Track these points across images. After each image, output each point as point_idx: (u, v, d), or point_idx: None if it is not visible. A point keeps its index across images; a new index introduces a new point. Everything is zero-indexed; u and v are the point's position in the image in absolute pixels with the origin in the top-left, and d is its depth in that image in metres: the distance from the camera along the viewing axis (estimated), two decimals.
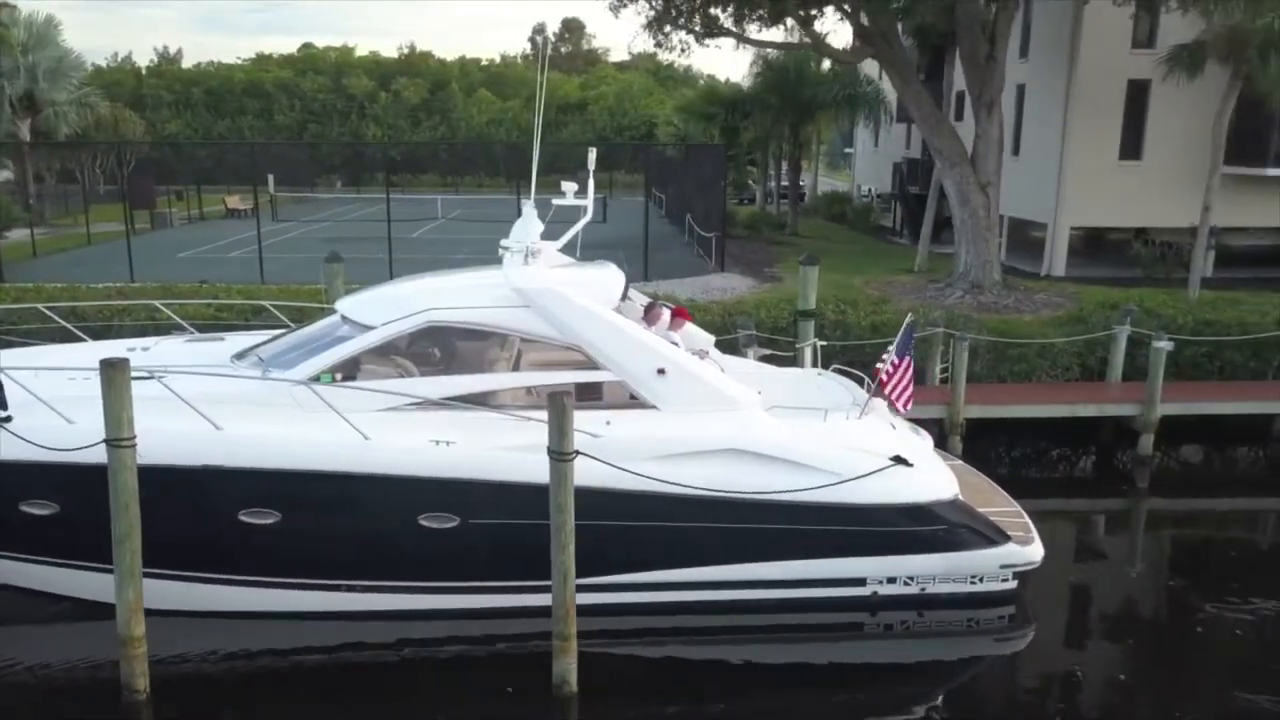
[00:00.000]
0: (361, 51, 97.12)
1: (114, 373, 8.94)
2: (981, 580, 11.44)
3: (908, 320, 12.09)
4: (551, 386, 10.36)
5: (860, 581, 11.26)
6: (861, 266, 28.83)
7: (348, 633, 10.60)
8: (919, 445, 11.92)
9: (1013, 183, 28.24)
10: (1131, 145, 28.27)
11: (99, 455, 9.05)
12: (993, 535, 11.31)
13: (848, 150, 64.12)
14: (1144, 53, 26.95)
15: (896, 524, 10.96)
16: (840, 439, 11.08)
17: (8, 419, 9.80)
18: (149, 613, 9.40)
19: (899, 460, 10.87)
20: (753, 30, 27.23)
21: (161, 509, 9.48)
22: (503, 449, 10.19)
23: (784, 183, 49.17)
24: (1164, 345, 16.89)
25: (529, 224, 11.68)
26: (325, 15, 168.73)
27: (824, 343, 15.57)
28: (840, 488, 10.65)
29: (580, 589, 9.54)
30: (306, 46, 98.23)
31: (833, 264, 27.03)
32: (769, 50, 37.73)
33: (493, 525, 10.23)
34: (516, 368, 11.29)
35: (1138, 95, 27.86)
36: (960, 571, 11.34)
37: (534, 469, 9.38)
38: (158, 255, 30.69)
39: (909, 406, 11.90)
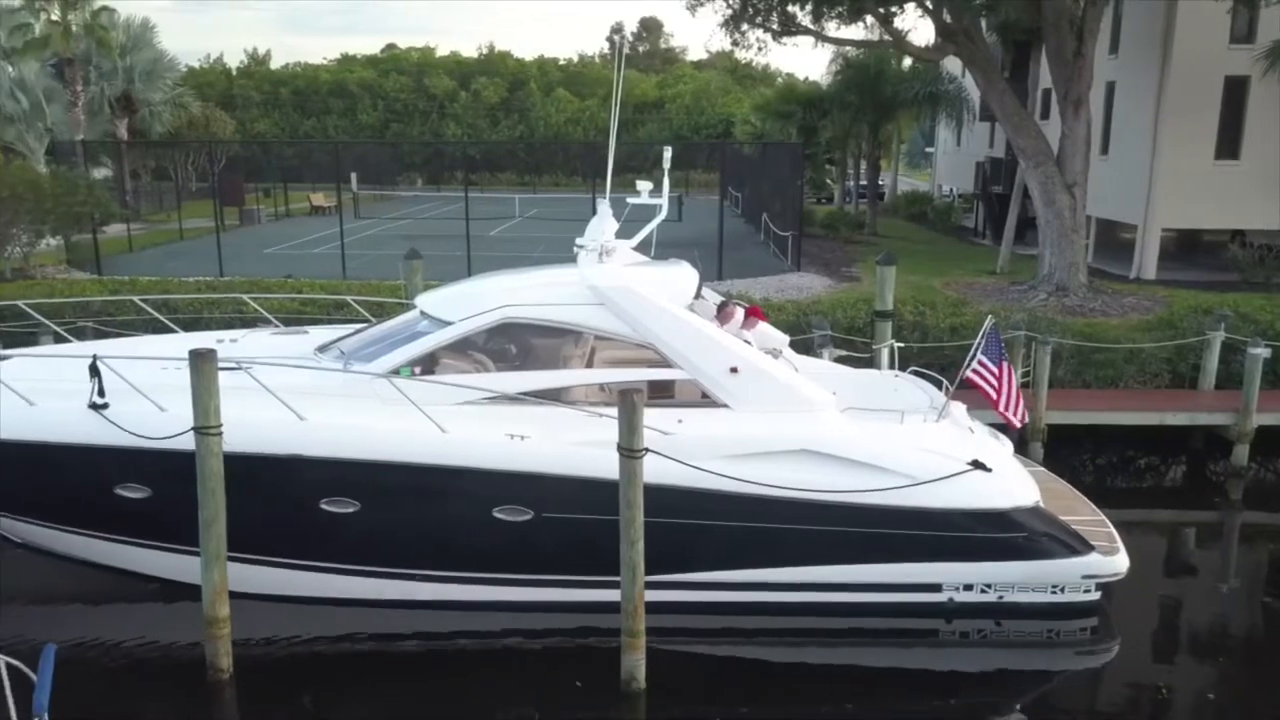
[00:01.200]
0: (442, 52, 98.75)
1: (202, 363, 9.26)
2: (1063, 590, 11.14)
3: (989, 323, 11.81)
4: (624, 384, 10.38)
5: (935, 588, 11.05)
6: (941, 267, 28.33)
7: (422, 621, 10.78)
8: (999, 450, 11.65)
9: (1101, 182, 27.40)
10: (1229, 144, 27.20)
11: (189, 442, 9.38)
12: (1075, 544, 11.00)
13: (928, 149, 63.09)
14: (1242, 48, 25.92)
15: (974, 529, 10.74)
16: (917, 442, 10.89)
17: (105, 406, 10.19)
18: (233, 595, 9.73)
19: (977, 465, 10.64)
20: (831, 28, 26.99)
21: (247, 495, 9.78)
22: (575, 444, 10.26)
23: (863, 182, 48.56)
24: (1260, 352, 16.22)
25: (604, 222, 11.74)
26: (408, 16, 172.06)
27: (901, 344, 15.31)
28: (916, 491, 10.47)
29: (650, 586, 9.56)
30: (390, 47, 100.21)
31: (912, 264, 26.61)
32: (848, 48, 37.29)
33: (565, 519, 10.30)
34: (590, 365, 11.33)
35: (1235, 92, 26.79)
36: (1041, 580, 11.06)
37: (606, 465, 9.42)
38: (245, 251, 31.63)
39: (1026, 420, 11.65)
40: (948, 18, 24.33)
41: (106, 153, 43.09)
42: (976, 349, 11.60)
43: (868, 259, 27.72)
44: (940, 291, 22.53)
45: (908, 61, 39.20)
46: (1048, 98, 30.61)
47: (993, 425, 12.41)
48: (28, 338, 15.25)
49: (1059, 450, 16.21)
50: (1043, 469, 13.46)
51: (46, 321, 13.81)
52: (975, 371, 11.46)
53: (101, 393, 10.24)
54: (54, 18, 39.13)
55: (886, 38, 27.06)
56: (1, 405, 10.25)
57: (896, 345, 14.79)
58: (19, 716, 6.29)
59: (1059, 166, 23.47)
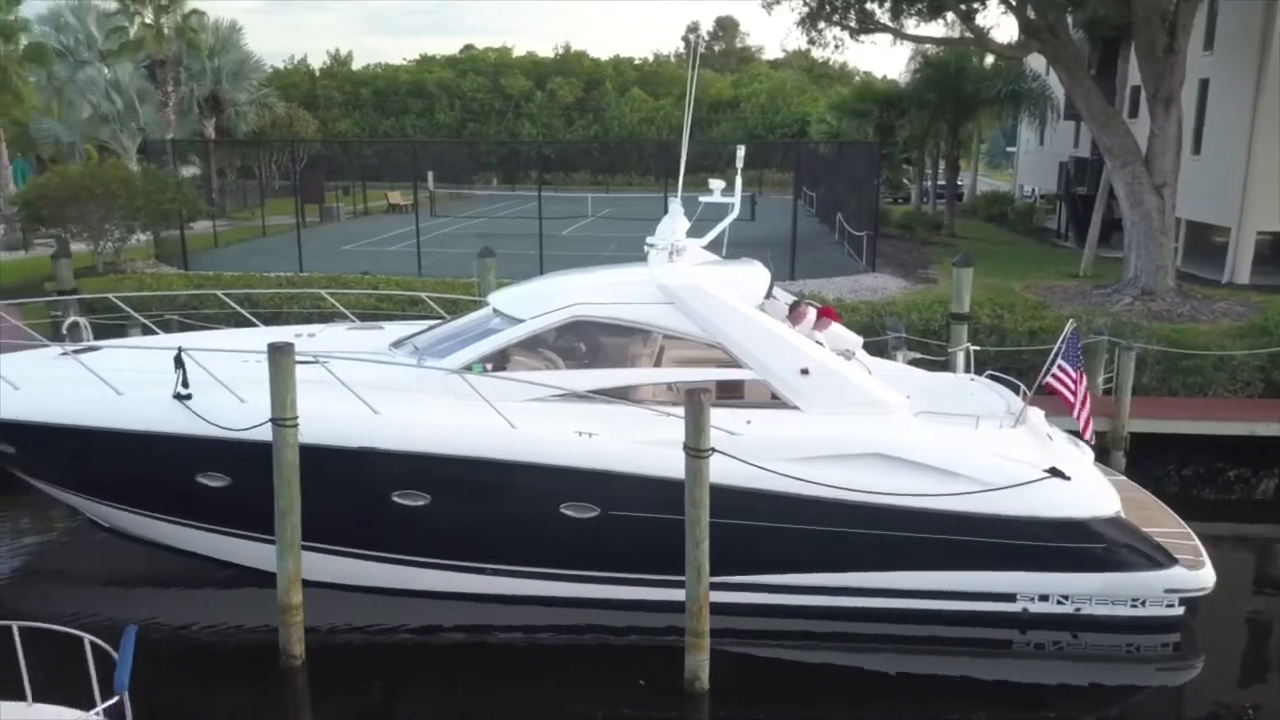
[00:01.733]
0: (519, 52, 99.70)
1: (280, 356, 9.48)
2: (1144, 604, 10.77)
3: (1070, 326, 11.48)
4: (693, 383, 10.32)
5: (1010, 597, 10.78)
6: (1021, 269, 27.63)
7: (489, 615, 10.89)
8: (1078, 458, 11.32)
9: (1191, 183, 26.43)
10: None
11: (267, 433, 9.62)
12: (1158, 557, 10.63)
13: (1010, 149, 61.69)
14: None
15: (1051, 539, 10.44)
16: (992, 447, 10.63)
17: (188, 397, 10.50)
18: (306, 584, 9.95)
19: (1055, 472, 10.33)
20: (910, 25, 26.48)
21: (321, 486, 9.99)
22: (643, 443, 10.25)
23: (940, 182, 47.67)
24: None
25: (675, 221, 11.71)
26: (486, 17, 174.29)
27: (977, 348, 14.97)
28: (991, 498, 10.22)
29: (716, 587, 9.51)
30: (468, 48, 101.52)
31: (990, 266, 26.03)
32: (928, 46, 36.61)
33: (631, 518, 10.30)
34: (659, 364, 11.31)
35: None
36: (1120, 593, 10.71)
37: (673, 464, 9.39)
38: (325, 247, 32.32)
39: (1091, 437, 11.28)
40: (1032, 14, 23.71)
41: (194, 151, 44.49)
42: (1057, 353, 11.29)
43: (944, 260, 27.19)
44: (1019, 294, 21.99)
45: (989, 59, 38.33)
46: (1136, 95, 29.66)
47: (1072, 432, 12.06)
48: (117, 329, 15.81)
49: (1142, 460, 15.67)
50: (1124, 478, 13.04)
51: (135, 314, 14.28)
52: (1055, 377, 11.15)
53: (185, 384, 10.55)
54: (147, 20, 40.53)
55: (967, 35, 26.49)
56: (92, 394, 10.62)
57: (972, 348, 14.45)
58: (101, 693, 6.50)
59: (1147, 166, 22.71)
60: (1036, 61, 34.88)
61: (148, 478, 10.97)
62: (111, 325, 15.92)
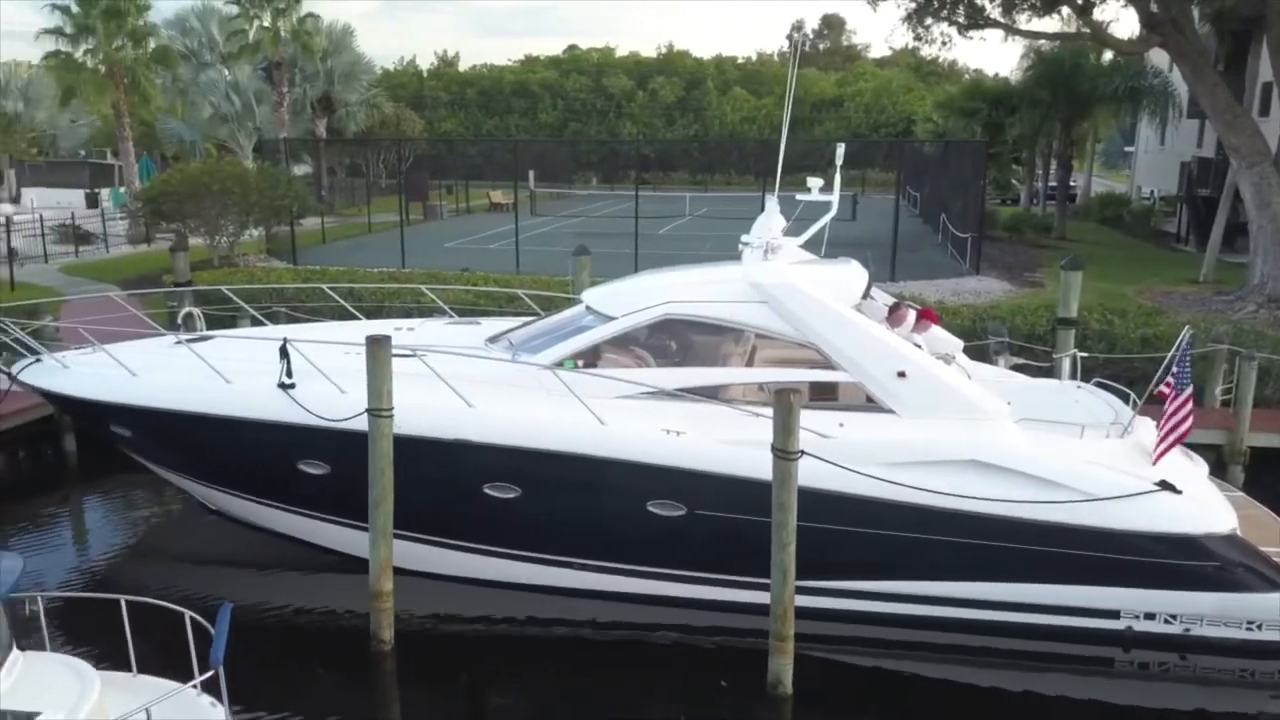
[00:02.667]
0: (622, 52, 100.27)
1: (377, 348, 9.71)
2: (1260, 628, 10.17)
3: (1185, 333, 10.92)
4: (785, 384, 10.17)
5: (1113, 614, 10.32)
6: (1136, 274, 26.54)
7: (573, 609, 10.95)
8: (1191, 471, 10.78)
9: None
10: None
11: (365, 423, 9.86)
12: (1277, 578, 10.04)
13: (1128, 149, 59.21)
14: None
15: (1159, 555, 9.95)
16: (1098, 458, 10.20)
17: (292, 386, 10.84)
18: (398, 571, 10.17)
19: (1165, 485, 9.86)
20: (1023, 20, 25.68)
21: (415, 476, 10.20)
22: (732, 443, 10.15)
23: (1052, 182, 46.08)
24: None
25: (771, 219, 11.56)
26: (590, 17, 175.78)
27: (1085, 354, 14.39)
28: (1095, 511, 9.81)
29: (803, 591, 9.36)
30: (571, 48, 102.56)
31: (1102, 270, 25.08)
32: (1041, 42, 35.42)
33: (718, 518, 10.21)
34: (750, 364, 11.18)
35: None
36: (1234, 615, 10.15)
37: (761, 465, 9.27)
38: (427, 244, 33.07)
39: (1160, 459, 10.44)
40: (1154, 7, 22.74)
41: (306, 150, 46.07)
42: (1171, 361, 10.76)
43: (1053, 263, 26.29)
44: (1133, 300, 21.12)
45: (1107, 55, 36.85)
46: (1267, 92, 28.21)
47: (1187, 444, 11.47)
48: (229, 320, 16.45)
49: (1263, 475, 14.80)
50: (1242, 494, 12.34)
51: (245, 305, 14.84)
52: (1169, 385, 10.62)
53: (289, 374, 10.90)
54: (265, 24, 42.11)
55: (1084, 30, 25.55)
56: (202, 382, 11.06)
57: (1080, 355, 13.90)
58: (199, 667, 6.76)
59: (1277, 167, 21.52)
60: (1159, 57, 33.37)
61: (252, 463, 11.37)
62: (223, 316, 16.56)
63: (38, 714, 6.35)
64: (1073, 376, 13.46)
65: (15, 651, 6.93)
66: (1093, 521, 9.86)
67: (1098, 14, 24.82)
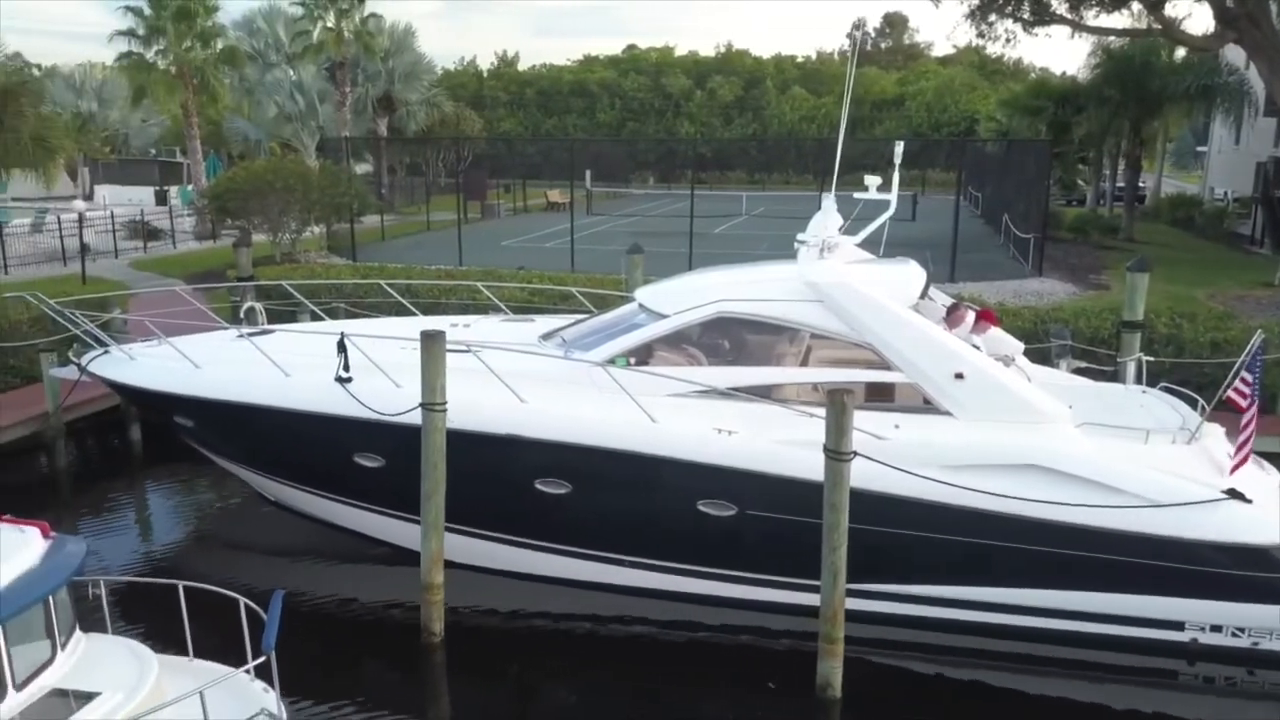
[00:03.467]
0: (681, 51, 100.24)
1: (432, 344, 9.80)
2: None
3: (1258, 338, 10.54)
4: (839, 384, 10.05)
5: (1177, 625, 10.01)
6: (1207, 277, 25.73)
7: (622, 606, 10.94)
8: (1262, 480, 10.40)
9: None
10: None
11: (419, 417, 9.95)
12: None
13: (1200, 149, 57.63)
14: None
15: (1227, 566, 9.62)
16: (1163, 464, 9.89)
17: (349, 380, 10.99)
18: (449, 564, 10.26)
19: (1234, 494, 9.54)
20: (1091, 16, 25.08)
21: (468, 470, 10.27)
22: (784, 443, 10.05)
23: (1119, 183, 44.95)
24: None
25: (827, 218, 11.44)
26: (649, 17, 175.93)
27: (1151, 358, 13.99)
28: (1160, 518, 9.53)
29: (854, 594, 9.25)
30: (630, 47, 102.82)
31: (1172, 273, 24.39)
32: (1110, 38, 34.55)
33: (769, 518, 10.12)
34: (804, 363, 11.05)
35: None
36: None
37: (814, 466, 9.16)
38: (484, 243, 33.31)
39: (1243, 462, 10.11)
40: (1229, 2, 22.05)
41: (367, 149, 46.77)
42: (1241, 365, 10.40)
43: (1119, 266, 25.61)
44: (1203, 303, 20.45)
45: (1180, 52, 35.83)
46: None
47: (1260, 453, 11.07)
48: (289, 315, 16.75)
49: None
50: None
51: (305, 301, 15.09)
52: (1237, 390, 10.27)
53: (347, 368, 11.05)
54: (329, 25, 42.83)
55: (1155, 26, 24.87)
56: (263, 375, 11.26)
57: (1145, 359, 13.52)
58: (252, 652, 6.88)
59: None
60: (1234, 54, 32.38)
61: (309, 455, 11.55)
62: (283, 311, 16.87)
63: (97, 694, 6.52)
64: (1138, 381, 13.11)
65: (78, 633, 7.12)
66: (1158, 530, 9.57)
67: (1170, 9, 24.23)
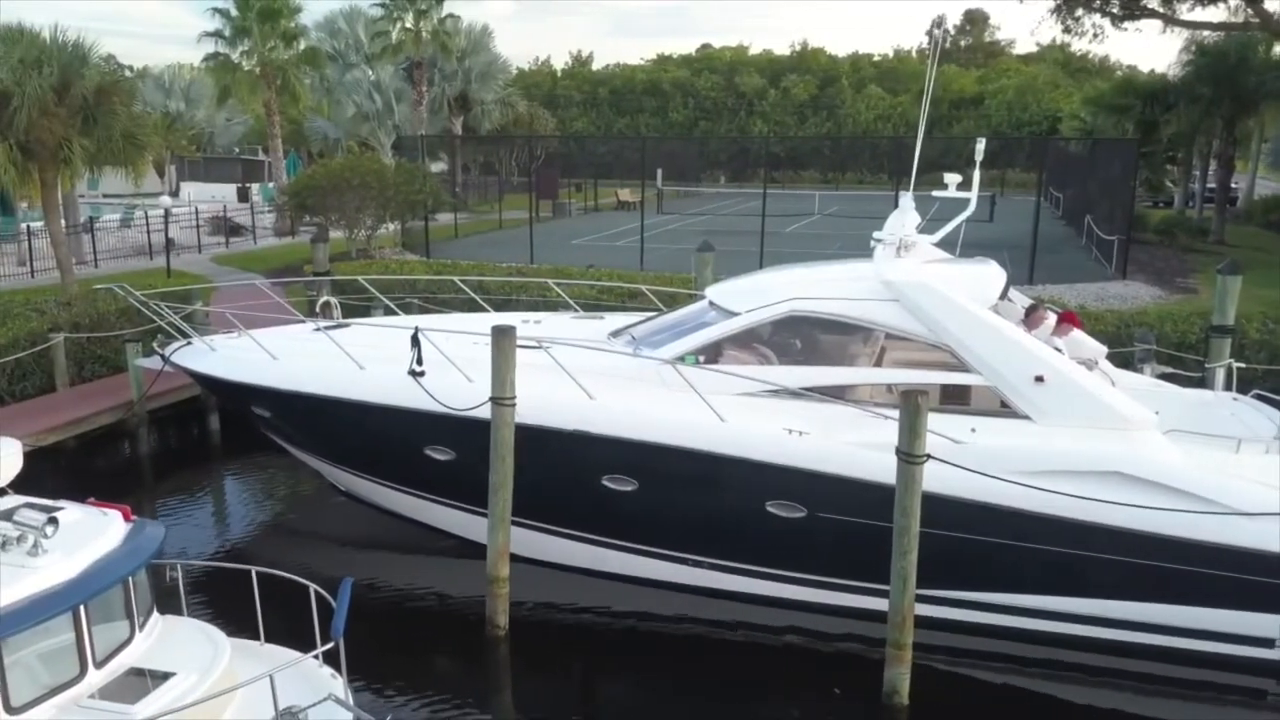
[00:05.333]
0: (755, 50, 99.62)
1: (502, 339, 9.84)
2: None
3: None
4: (914, 386, 9.82)
5: (1268, 643, 9.57)
6: None
7: (688, 605, 10.86)
8: None
9: None
10: None
11: (489, 412, 9.99)
12: None
13: None
14: None
15: None
16: (1256, 474, 9.46)
17: (422, 374, 11.09)
18: (515, 559, 10.29)
19: None
20: (1184, 10, 24.17)
21: (537, 465, 10.30)
22: (857, 445, 9.87)
23: (1210, 184, 43.34)
24: None
25: (905, 216, 11.21)
26: (724, 16, 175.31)
27: (1242, 365, 13.43)
28: (1250, 529, 9.12)
29: (924, 600, 9.04)
30: (704, 47, 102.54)
31: (1266, 277, 23.43)
32: (1204, 33, 33.30)
33: (839, 521, 9.94)
34: (879, 364, 10.82)
35: None
36: None
37: (887, 469, 8.97)
38: (555, 241, 33.53)
39: None
40: None
41: (442, 147, 47.38)
42: None
43: (1207, 269, 24.70)
44: None
45: (1279, 48, 34.37)
46: None
47: None
48: (363, 309, 17.03)
49: None
50: None
51: (380, 296, 15.30)
52: None
53: (420, 361, 11.15)
54: (408, 25, 43.52)
55: (1254, 19, 23.87)
56: (338, 367, 11.44)
57: (1236, 365, 12.97)
58: (321, 638, 6.97)
59: None
60: None
61: (382, 447, 11.70)
62: (358, 305, 17.16)
63: (173, 674, 6.66)
64: (1227, 388, 12.58)
65: (155, 615, 7.29)
66: (1248, 542, 9.17)
67: (1270, 3, 23.13)
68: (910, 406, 8.64)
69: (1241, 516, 9.15)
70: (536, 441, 10.35)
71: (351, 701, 7.07)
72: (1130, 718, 9.48)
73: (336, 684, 7.10)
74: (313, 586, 7.39)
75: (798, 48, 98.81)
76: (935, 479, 8.94)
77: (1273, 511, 9.10)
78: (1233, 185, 42.75)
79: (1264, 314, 17.16)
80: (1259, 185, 54.61)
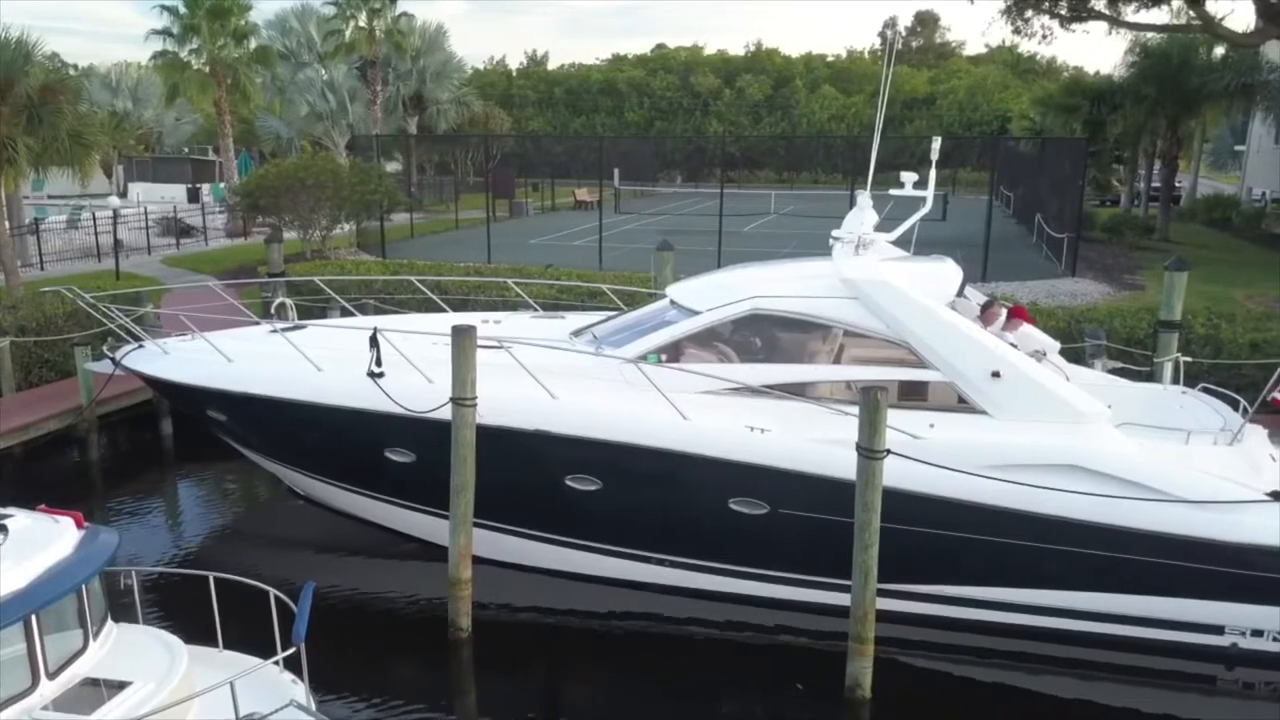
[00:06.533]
0: (710, 50, 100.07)
1: (462, 339, 9.77)
2: None
3: None
4: (873, 382, 9.92)
5: (1217, 629, 9.81)
6: (1246, 278, 25.33)
7: (652, 604, 10.87)
8: None
9: None
10: None
11: (450, 413, 9.92)
12: None
13: (1238, 148, 56.69)
14: None
15: (1270, 569, 9.39)
16: (1204, 465, 9.70)
17: (381, 375, 10.98)
18: (478, 560, 10.23)
19: (1278, 496, 9.33)
20: (1129, 12, 24.70)
21: (498, 466, 10.24)
22: (817, 441, 9.94)
23: (1155, 183, 44.31)
24: None
25: (863, 214, 11.31)
26: (679, 16, 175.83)
27: (1188, 359, 13.74)
28: (1201, 520, 9.34)
29: (886, 594, 9.13)
30: (659, 47, 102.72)
31: (1209, 274, 24.04)
32: (1147, 35, 34.03)
33: (801, 517, 10.01)
34: (839, 361, 10.91)
35: None
36: None
37: (847, 465, 9.05)
38: (513, 240, 33.39)
39: None
40: None
41: (397, 147, 47.01)
42: None
43: (1154, 266, 25.25)
44: (1241, 304, 20.11)
45: (1219, 50, 35.22)
46: None
47: None
48: (319, 311, 16.82)
49: None
50: None
51: (336, 296, 15.14)
52: None
53: (379, 363, 11.04)
54: (361, 24, 43.08)
55: (1195, 22, 24.45)
56: (295, 369, 11.29)
57: (1183, 359, 13.27)
58: (281, 644, 6.88)
59: None
60: (1274, 51, 31.83)
61: (341, 450, 11.56)
62: (313, 306, 16.94)
63: (129, 683, 6.53)
64: (1175, 381, 12.88)
65: (110, 623, 7.15)
66: (1199, 532, 9.38)
67: (1211, 5, 23.71)
68: (870, 403, 8.73)
69: (1192, 507, 9.36)
70: (499, 442, 10.29)
71: (314, 707, 6.99)
72: (1087, 705, 9.64)
73: (298, 690, 7.00)
74: (272, 591, 7.29)
75: (752, 48, 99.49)
76: (895, 474, 9.03)
77: (1221, 500, 9.32)
78: (1176, 184, 43.73)
79: (1209, 309, 17.58)
80: (1201, 184, 55.93)
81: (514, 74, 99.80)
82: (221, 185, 40.21)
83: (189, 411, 13.76)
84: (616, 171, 53.27)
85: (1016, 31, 26.03)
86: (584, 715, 9.50)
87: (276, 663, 6.85)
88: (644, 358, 10.86)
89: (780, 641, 10.42)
